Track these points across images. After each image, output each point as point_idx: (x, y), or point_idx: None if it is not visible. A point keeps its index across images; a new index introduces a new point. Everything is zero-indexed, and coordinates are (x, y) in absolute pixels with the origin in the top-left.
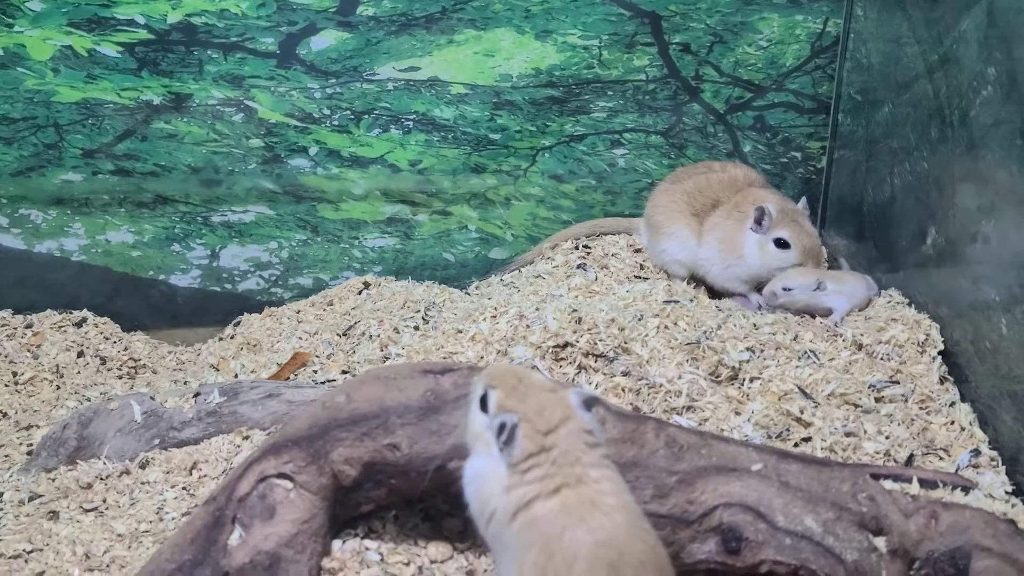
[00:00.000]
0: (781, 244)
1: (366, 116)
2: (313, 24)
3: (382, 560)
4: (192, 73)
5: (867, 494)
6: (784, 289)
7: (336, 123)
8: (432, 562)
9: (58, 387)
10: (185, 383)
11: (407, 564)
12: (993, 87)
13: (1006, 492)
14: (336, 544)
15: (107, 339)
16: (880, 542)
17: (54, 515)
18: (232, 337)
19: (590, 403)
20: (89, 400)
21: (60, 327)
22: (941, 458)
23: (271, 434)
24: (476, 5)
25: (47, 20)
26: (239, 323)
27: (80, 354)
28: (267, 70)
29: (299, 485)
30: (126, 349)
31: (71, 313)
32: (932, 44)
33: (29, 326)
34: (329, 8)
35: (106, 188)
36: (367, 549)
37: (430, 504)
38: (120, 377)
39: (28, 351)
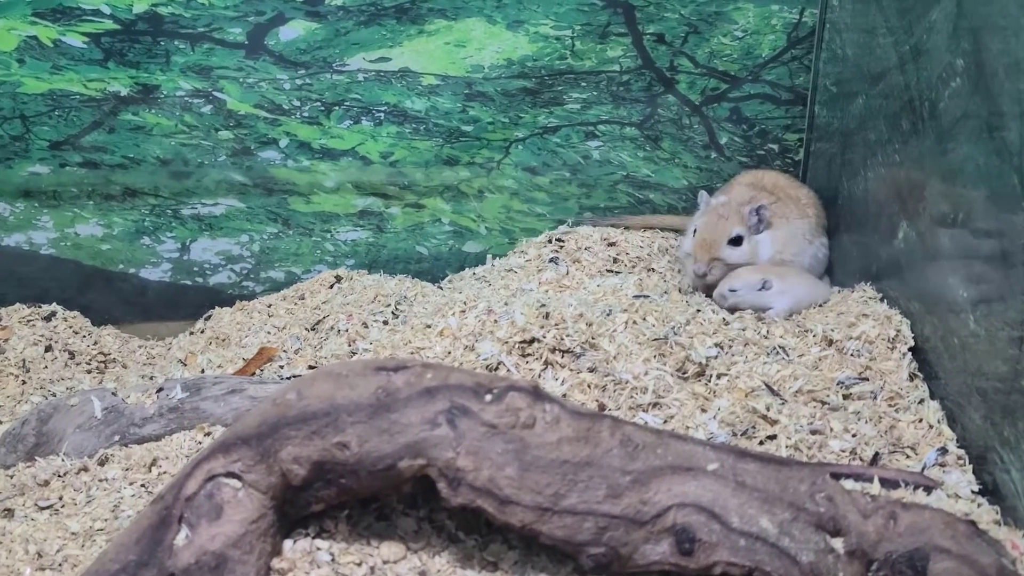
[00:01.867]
0: (695, 232)
1: (336, 108)
2: (281, 14)
3: (333, 560)
4: (159, 64)
5: (825, 494)
6: (730, 290)
7: (306, 115)
8: (385, 562)
9: (24, 382)
10: (151, 378)
11: (359, 564)
12: (961, 79)
13: (972, 491)
14: (287, 544)
15: (76, 333)
16: (837, 543)
17: (9, 513)
18: (202, 331)
19: None
20: (55, 395)
21: (29, 321)
22: (908, 456)
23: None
24: None
25: (11, 10)
26: (210, 317)
27: (48, 348)
28: (235, 61)
29: (248, 484)
30: (96, 343)
31: (40, 307)
32: (904, 35)
33: None
34: None
35: (74, 180)
36: (318, 549)
37: (384, 503)
38: (89, 371)
39: None
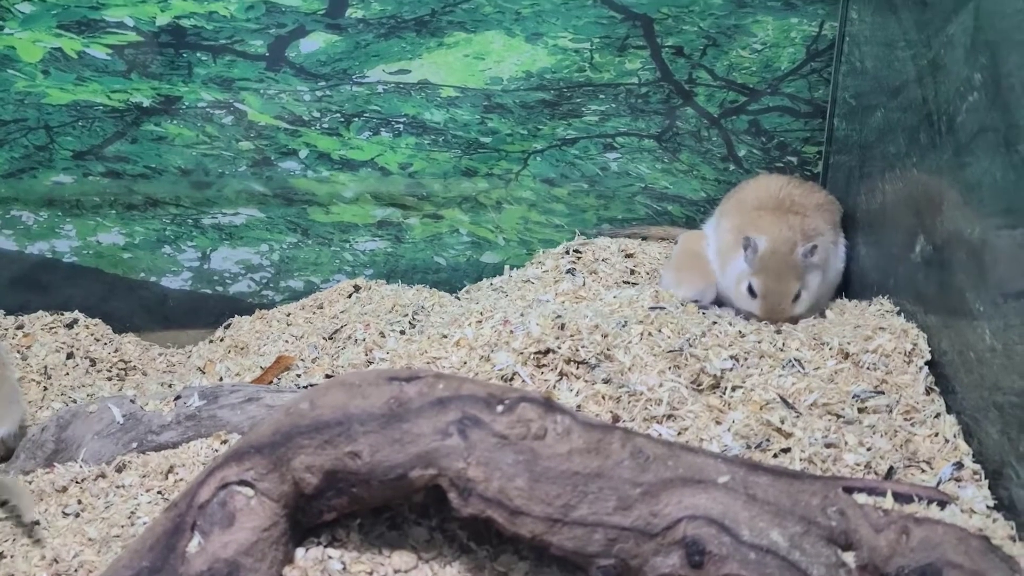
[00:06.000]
0: (750, 291)
1: (356, 119)
2: (302, 26)
3: (344, 569)
4: (181, 75)
5: (837, 508)
6: None
7: (326, 126)
8: (396, 571)
9: (45, 388)
10: (170, 386)
11: (370, 573)
12: (979, 93)
13: (987, 506)
14: (299, 552)
15: (98, 341)
16: (849, 557)
17: None
18: (222, 340)
19: None
20: (76, 402)
21: (51, 328)
22: (923, 471)
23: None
24: (466, 8)
25: (37, 22)
26: (229, 325)
27: (70, 355)
28: (256, 73)
29: (260, 492)
30: (116, 351)
31: (63, 314)
32: (922, 48)
33: (20, 327)
34: (318, 10)
35: (97, 190)
36: (329, 558)
37: (396, 513)
38: (110, 379)
39: (18, 352)
